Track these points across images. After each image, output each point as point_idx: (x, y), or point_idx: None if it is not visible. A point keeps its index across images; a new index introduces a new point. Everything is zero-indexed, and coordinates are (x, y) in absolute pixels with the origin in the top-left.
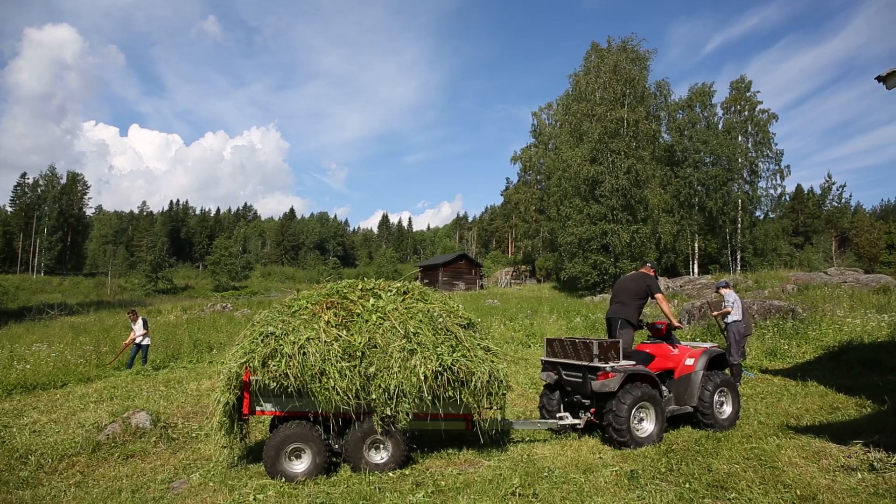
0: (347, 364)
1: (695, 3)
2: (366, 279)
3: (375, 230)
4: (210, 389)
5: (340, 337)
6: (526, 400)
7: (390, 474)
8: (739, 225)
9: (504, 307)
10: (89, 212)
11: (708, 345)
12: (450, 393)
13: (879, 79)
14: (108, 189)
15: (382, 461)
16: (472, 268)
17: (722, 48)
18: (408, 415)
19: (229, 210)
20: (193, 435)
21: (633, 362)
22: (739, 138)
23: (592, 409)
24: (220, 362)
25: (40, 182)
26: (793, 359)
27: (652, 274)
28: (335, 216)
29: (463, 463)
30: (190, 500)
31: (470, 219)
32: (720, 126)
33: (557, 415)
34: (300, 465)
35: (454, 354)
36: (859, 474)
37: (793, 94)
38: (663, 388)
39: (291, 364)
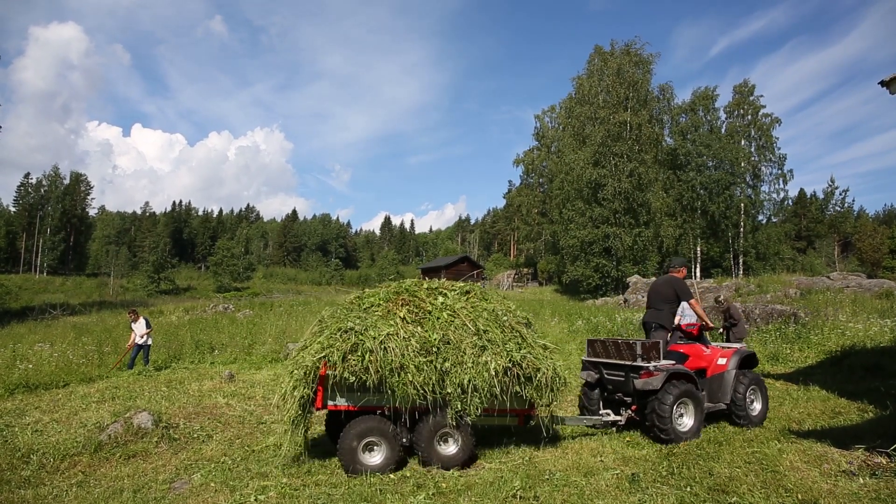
0: (424, 359)
1: (700, 5)
2: (427, 279)
3: (378, 232)
4: (212, 390)
5: (416, 333)
6: None
7: (391, 476)
8: (742, 229)
9: None
10: (92, 212)
11: (739, 345)
12: (516, 388)
13: (883, 83)
14: (112, 189)
15: (452, 454)
16: (474, 270)
17: (727, 51)
18: (478, 409)
19: (232, 211)
20: (195, 435)
21: (673, 362)
22: (742, 142)
23: (634, 407)
24: (293, 357)
25: (44, 182)
26: (795, 363)
27: (682, 275)
28: (337, 217)
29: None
30: (191, 500)
31: (472, 221)
32: (723, 130)
33: (601, 411)
34: (375, 459)
35: (521, 351)
36: (861, 479)
37: (797, 98)
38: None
39: (373, 358)
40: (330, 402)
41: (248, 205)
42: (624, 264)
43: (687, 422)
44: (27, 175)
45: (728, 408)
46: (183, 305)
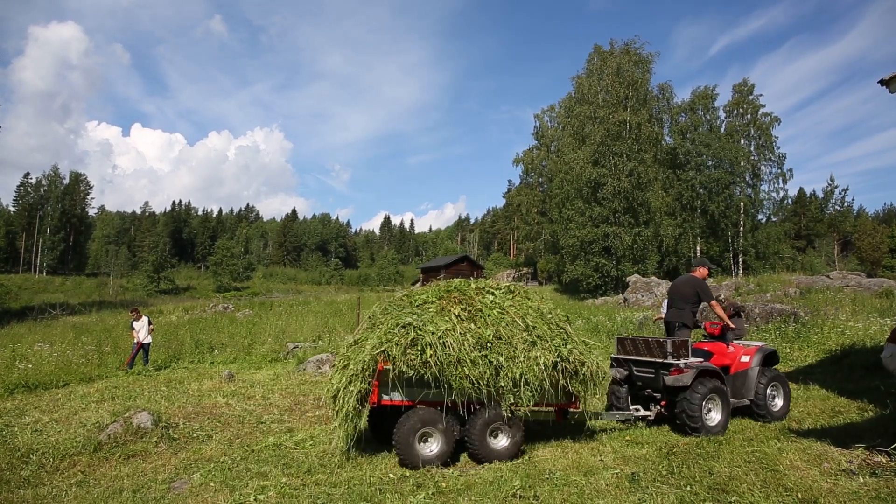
0: (479, 354)
1: (700, 5)
2: (474, 279)
3: (377, 232)
4: (211, 390)
5: (471, 329)
6: None
7: (391, 475)
8: (741, 228)
9: None
10: (92, 212)
11: (760, 343)
12: (563, 382)
13: (882, 82)
14: (112, 189)
15: (503, 447)
16: (474, 270)
17: (727, 50)
18: (529, 402)
19: (231, 211)
20: (195, 435)
21: (701, 359)
22: (742, 141)
23: (663, 402)
24: (341, 352)
25: (43, 182)
26: (795, 362)
27: (705, 274)
28: (337, 217)
29: (463, 464)
30: (191, 500)
31: (472, 221)
32: (723, 129)
33: (632, 407)
34: (431, 451)
35: (567, 346)
36: (861, 478)
37: (797, 96)
38: None
39: (433, 353)
40: (385, 397)
41: (248, 204)
42: (623, 264)
43: (715, 416)
44: (27, 175)
45: (751, 403)
46: (182, 305)
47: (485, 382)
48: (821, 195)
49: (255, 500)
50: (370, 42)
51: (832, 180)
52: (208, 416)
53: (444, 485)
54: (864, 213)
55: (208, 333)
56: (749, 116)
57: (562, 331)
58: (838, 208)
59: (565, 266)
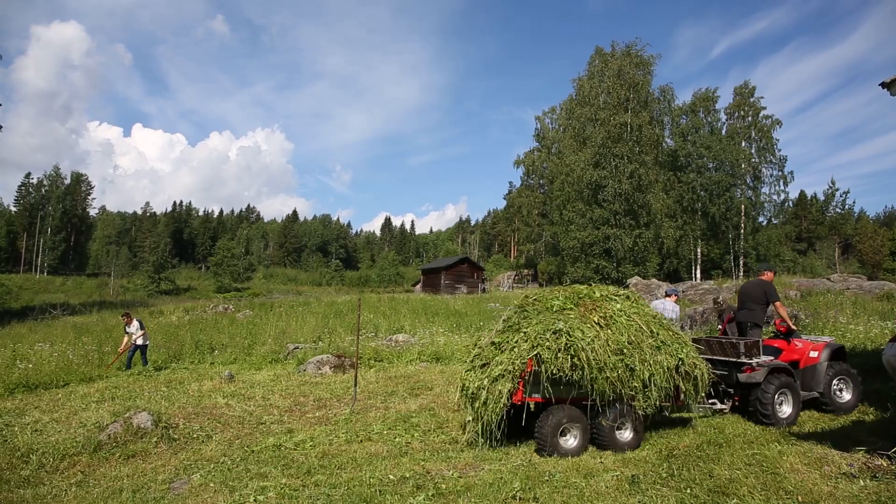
0: (617, 358)
1: (702, 6)
2: (594, 285)
3: (378, 233)
4: (211, 390)
5: (610, 336)
6: None
7: (391, 476)
8: (742, 230)
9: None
10: (93, 212)
11: (828, 339)
12: (678, 382)
13: (884, 85)
14: (113, 189)
15: (627, 440)
16: (475, 271)
17: (729, 52)
18: (656, 401)
19: (232, 211)
20: (195, 436)
21: (772, 357)
22: (743, 144)
23: (737, 398)
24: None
25: (44, 182)
26: None
27: (771, 278)
28: (338, 218)
29: (464, 466)
30: (191, 500)
31: (473, 222)
32: (724, 131)
33: (709, 401)
34: (570, 443)
35: (684, 350)
36: (861, 482)
37: (799, 99)
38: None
39: (583, 356)
40: (528, 396)
41: (249, 205)
42: (624, 266)
43: (786, 409)
44: (28, 175)
45: (819, 396)
46: (183, 306)
47: (620, 383)
48: (822, 198)
49: (254, 500)
50: (371, 42)
51: (833, 183)
52: (208, 417)
53: (443, 486)
54: (865, 215)
55: (208, 334)
56: (750, 119)
57: (678, 336)
58: (839, 211)
59: (566, 268)
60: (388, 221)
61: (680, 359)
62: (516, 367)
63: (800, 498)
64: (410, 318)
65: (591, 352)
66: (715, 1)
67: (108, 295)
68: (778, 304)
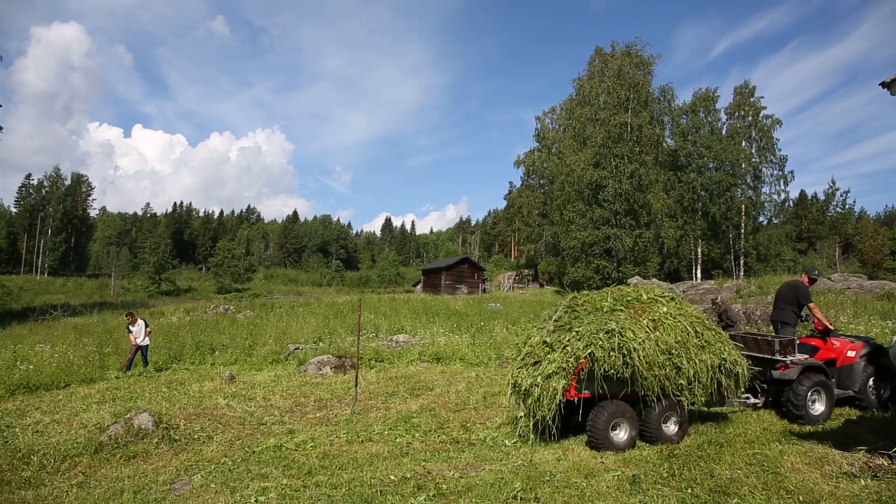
0: (665, 357)
1: (702, 5)
2: (642, 288)
3: (378, 233)
4: (212, 391)
5: (659, 337)
6: None
7: (391, 477)
8: (743, 230)
9: (507, 311)
10: (93, 213)
11: (867, 338)
12: (721, 379)
13: (884, 84)
14: (113, 190)
15: (673, 434)
16: (475, 271)
17: (729, 52)
18: (701, 398)
19: (232, 212)
20: (195, 437)
21: (807, 356)
22: (743, 143)
23: (770, 394)
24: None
25: (45, 183)
26: None
27: (806, 281)
28: (338, 219)
29: (465, 466)
30: (191, 501)
31: (473, 222)
32: (724, 131)
33: (743, 395)
34: (621, 436)
35: (727, 349)
36: (862, 481)
37: (799, 98)
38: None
39: (636, 356)
40: (579, 392)
41: (249, 206)
42: (625, 266)
43: (819, 407)
44: (28, 176)
45: (855, 394)
46: (184, 307)
47: (668, 381)
48: (822, 197)
49: (255, 501)
50: (371, 43)
51: (833, 183)
52: (209, 418)
53: (444, 487)
54: (866, 215)
55: (209, 335)
56: (750, 119)
57: (720, 336)
58: (839, 210)
59: (566, 268)
60: (388, 222)
61: (723, 358)
62: (570, 365)
63: (801, 497)
64: (411, 318)
65: (642, 351)
66: (715, 1)
67: (108, 296)
68: (811, 305)
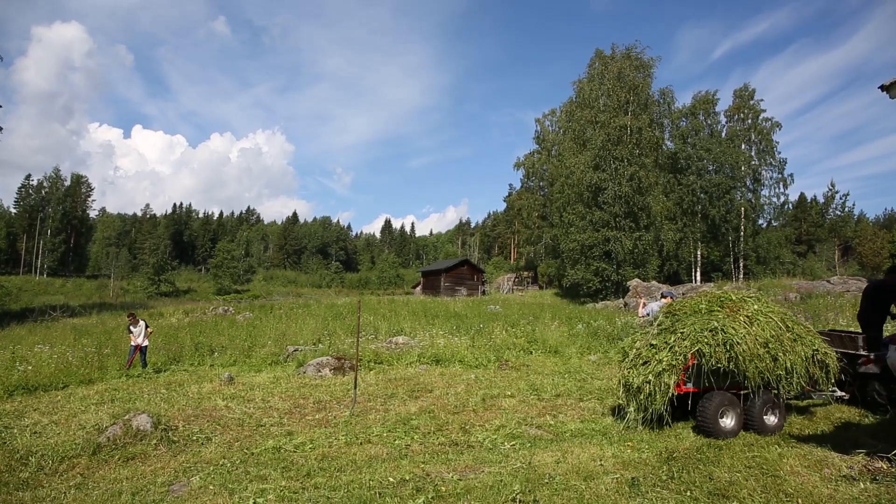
0: (764, 350)
1: (703, 8)
2: (730, 290)
3: (378, 235)
4: (211, 393)
5: (757, 332)
6: (527, 406)
7: (390, 479)
8: (742, 233)
9: (506, 313)
10: (93, 214)
11: None
12: (813, 370)
13: (883, 88)
14: (113, 191)
15: (774, 423)
16: (475, 273)
17: (730, 54)
18: (797, 388)
19: (232, 213)
20: (194, 438)
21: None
22: (743, 146)
23: (854, 388)
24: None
25: (44, 183)
26: None
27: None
28: (338, 220)
29: (464, 468)
30: (190, 503)
31: (473, 224)
32: (723, 134)
33: (829, 388)
34: (728, 424)
35: (817, 342)
36: (861, 484)
37: (799, 101)
38: None
39: (739, 350)
40: (686, 386)
41: (249, 207)
42: (624, 268)
43: None
44: (28, 176)
45: None
46: (183, 308)
47: (768, 372)
48: (822, 200)
49: (254, 503)
50: (371, 44)
51: (833, 185)
52: (208, 419)
53: (443, 489)
54: (865, 218)
55: (208, 336)
56: (750, 121)
57: (809, 329)
58: (839, 213)
59: (566, 270)
60: (388, 223)
61: (815, 349)
62: (679, 362)
63: (800, 500)
64: (410, 320)
65: (744, 344)
66: (716, 3)
67: (107, 297)
68: None
